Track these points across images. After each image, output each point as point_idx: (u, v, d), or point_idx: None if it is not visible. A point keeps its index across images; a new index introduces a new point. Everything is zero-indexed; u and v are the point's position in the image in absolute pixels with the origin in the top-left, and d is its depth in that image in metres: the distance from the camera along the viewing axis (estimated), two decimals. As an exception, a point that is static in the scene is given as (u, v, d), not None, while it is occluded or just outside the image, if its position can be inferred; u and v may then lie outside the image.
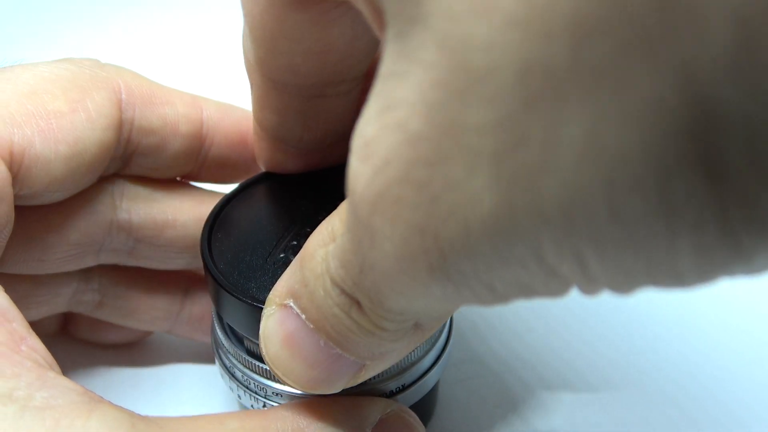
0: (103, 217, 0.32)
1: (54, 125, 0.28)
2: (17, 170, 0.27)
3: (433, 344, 0.31)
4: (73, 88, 0.29)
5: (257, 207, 0.31)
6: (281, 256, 0.29)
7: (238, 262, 0.29)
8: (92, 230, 0.32)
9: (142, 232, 0.32)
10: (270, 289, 0.27)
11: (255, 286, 0.28)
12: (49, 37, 0.59)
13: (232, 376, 0.31)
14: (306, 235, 0.29)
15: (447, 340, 0.32)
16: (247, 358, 0.29)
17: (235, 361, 0.30)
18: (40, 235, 0.30)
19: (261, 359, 0.29)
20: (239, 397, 0.31)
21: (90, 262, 0.32)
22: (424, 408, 0.34)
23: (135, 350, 0.37)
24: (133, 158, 0.32)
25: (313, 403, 0.26)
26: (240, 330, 0.29)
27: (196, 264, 0.33)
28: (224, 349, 0.31)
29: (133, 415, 0.23)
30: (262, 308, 0.26)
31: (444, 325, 0.32)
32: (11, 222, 0.27)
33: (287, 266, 0.28)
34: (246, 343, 0.30)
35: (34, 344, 0.24)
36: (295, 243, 0.29)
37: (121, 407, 0.23)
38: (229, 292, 0.27)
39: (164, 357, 0.37)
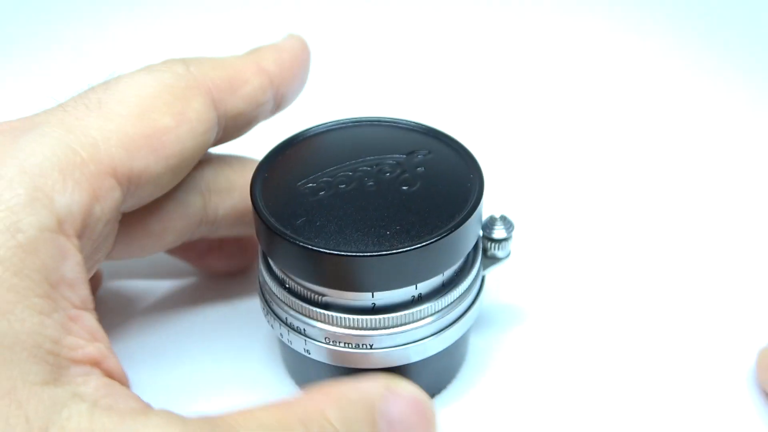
0: (195, 217, 0.35)
1: (164, 142, 0.30)
2: (133, 191, 0.30)
3: (467, 291, 0.33)
4: (174, 101, 0.31)
5: (301, 155, 0.34)
6: (310, 185, 0.32)
7: (275, 192, 0.32)
8: (185, 230, 0.35)
9: (225, 220, 0.36)
10: (290, 212, 0.30)
11: (278, 209, 0.31)
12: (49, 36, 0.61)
13: (263, 295, 0.34)
14: (336, 178, 0.32)
15: (478, 293, 0.34)
16: (276, 287, 0.33)
17: (264, 280, 0.34)
18: (140, 242, 0.34)
19: (278, 280, 0.32)
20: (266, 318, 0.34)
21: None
22: (454, 359, 0.36)
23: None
24: (225, 136, 0.34)
25: (329, 388, 0.28)
26: (262, 246, 0.32)
27: None
28: (262, 277, 0.34)
29: (184, 418, 0.25)
30: (270, 225, 0.30)
31: (477, 279, 0.34)
32: (110, 239, 0.31)
33: (311, 194, 0.31)
34: (275, 272, 0.33)
35: (114, 365, 0.27)
36: (328, 179, 0.32)
37: (173, 413, 0.26)
38: (256, 210, 0.31)
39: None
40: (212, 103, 0.32)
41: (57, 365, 0.25)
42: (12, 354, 0.24)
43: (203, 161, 0.35)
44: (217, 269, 0.41)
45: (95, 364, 0.26)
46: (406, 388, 0.29)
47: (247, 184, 0.32)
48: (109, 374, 0.27)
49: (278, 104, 0.36)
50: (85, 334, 0.27)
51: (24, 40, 0.59)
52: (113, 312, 0.40)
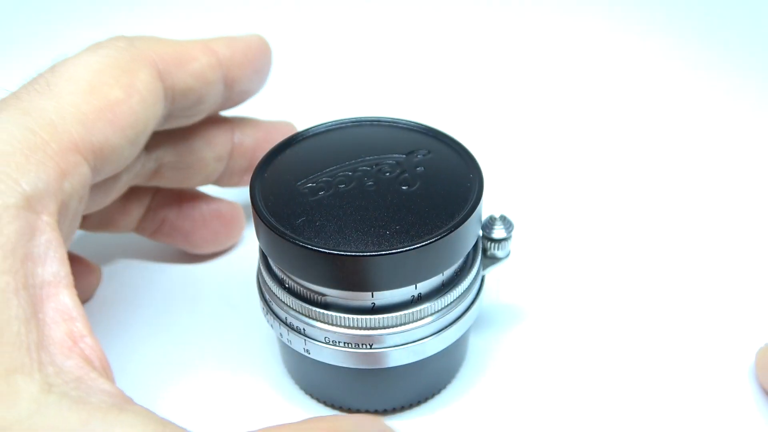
0: (141, 159, 0.36)
1: (118, 114, 0.31)
2: (100, 166, 0.30)
3: (467, 290, 0.33)
4: (121, 74, 0.31)
5: (301, 155, 0.34)
6: (310, 185, 0.32)
7: (275, 192, 0.32)
8: (133, 170, 0.36)
9: (167, 158, 0.37)
10: (290, 212, 0.31)
11: (278, 209, 0.31)
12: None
13: (263, 295, 0.34)
14: (336, 178, 0.32)
15: (478, 293, 0.34)
16: (276, 286, 0.33)
17: (264, 280, 0.34)
18: (100, 190, 0.35)
19: (277, 280, 0.33)
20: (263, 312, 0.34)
21: (128, 185, 0.37)
22: (453, 358, 0.36)
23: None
24: (173, 114, 0.35)
25: (326, 422, 0.27)
26: (261, 245, 0.32)
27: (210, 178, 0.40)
28: (261, 277, 0.34)
29: (164, 421, 0.24)
30: (270, 225, 0.30)
31: (477, 279, 0.34)
32: (81, 214, 0.31)
33: (311, 194, 0.31)
34: (275, 272, 0.33)
35: (92, 344, 0.26)
36: (328, 179, 0.32)
37: (151, 411, 0.25)
38: (256, 210, 0.31)
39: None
40: (158, 74, 0.33)
41: (24, 349, 0.24)
42: None
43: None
44: (204, 247, 0.42)
45: (69, 346, 0.25)
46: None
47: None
48: (86, 357, 0.26)
49: (232, 91, 0.36)
50: (56, 314, 0.26)
51: (24, 40, 0.59)
52: (111, 310, 0.40)
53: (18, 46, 0.59)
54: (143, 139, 0.32)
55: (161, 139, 0.37)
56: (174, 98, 0.34)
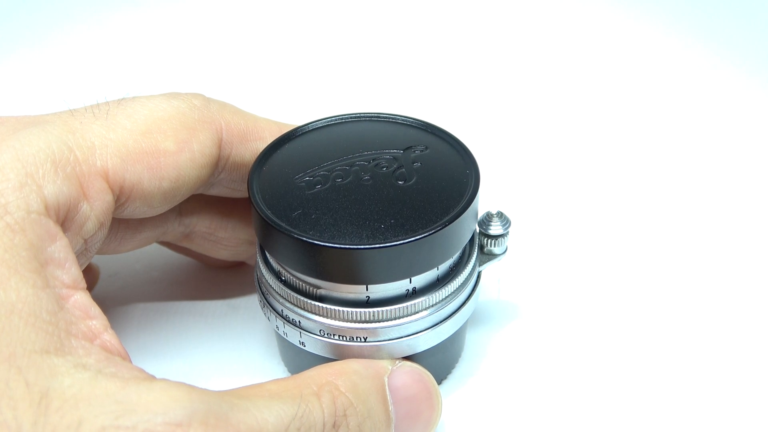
0: (171, 220, 0.36)
1: (162, 163, 0.31)
2: (124, 201, 0.31)
3: (462, 286, 0.33)
4: (182, 128, 0.32)
5: (300, 149, 0.34)
6: (307, 179, 0.32)
7: (272, 185, 0.32)
8: (161, 228, 0.36)
9: (199, 227, 0.37)
10: (286, 204, 0.31)
11: (274, 202, 0.31)
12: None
13: (260, 287, 0.34)
14: (333, 172, 0.32)
15: (473, 289, 0.34)
16: (273, 279, 0.33)
17: (261, 273, 0.34)
18: (119, 233, 0.35)
19: (274, 272, 0.33)
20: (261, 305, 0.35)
21: (153, 241, 0.37)
22: (449, 354, 0.36)
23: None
24: (220, 183, 0.35)
25: (336, 363, 0.30)
26: (258, 237, 0.33)
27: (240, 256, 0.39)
28: (259, 269, 0.34)
29: (190, 386, 0.26)
30: (266, 218, 0.30)
31: (472, 275, 0.34)
32: (102, 240, 0.32)
33: (308, 188, 0.32)
34: (272, 264, 0.33)
35: (110, 339, 0.28)
36: (325, 173, 0.32)
37: (178, 381, 0.26)
38: (253, 203, 0.31)
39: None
40: (219, 142, 0.33)
41: (56, 335, 0.26)
42: (9, 322, 0.25)
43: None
44: (214, 263, 0.42)
45: (91, 339, 0.27)
46: (410, 364, 0.32)
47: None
48: (108, 349, 0.27)
49: None
50: (77, 311, 0.27)
51: (24, 39, 0.59)
52: (110, 311, 0.40)
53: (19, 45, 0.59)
54: (179, 197, 0.33)
55: (198, 207, 0.37)
56: (225, 168, 0.34)
